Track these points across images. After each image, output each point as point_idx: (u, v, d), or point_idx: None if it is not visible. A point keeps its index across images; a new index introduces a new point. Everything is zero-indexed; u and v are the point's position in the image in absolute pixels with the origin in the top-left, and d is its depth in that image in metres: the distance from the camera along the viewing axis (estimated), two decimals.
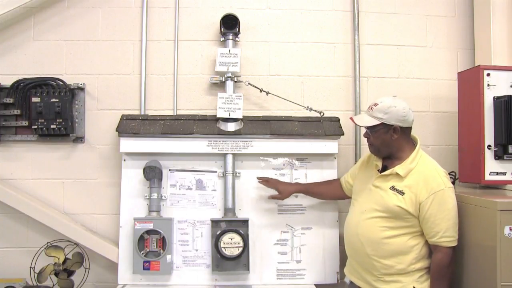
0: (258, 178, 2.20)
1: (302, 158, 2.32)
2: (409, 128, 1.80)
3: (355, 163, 2.41)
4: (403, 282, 1.71)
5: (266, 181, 2.18)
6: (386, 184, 1.76)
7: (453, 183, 2.32)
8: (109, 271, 2.36)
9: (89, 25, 2.44)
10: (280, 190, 2.14)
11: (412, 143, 1.82)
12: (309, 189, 2.19)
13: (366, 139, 1.88)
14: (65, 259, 2.20)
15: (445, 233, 1.66)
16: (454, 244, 1.69)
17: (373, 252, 1.74)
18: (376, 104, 1.76)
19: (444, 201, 1.67)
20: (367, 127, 1.81)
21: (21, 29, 2.41)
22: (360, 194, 1.90)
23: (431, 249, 1.73)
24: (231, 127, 2.28)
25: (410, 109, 1.77)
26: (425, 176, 1.71)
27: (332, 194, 2.17)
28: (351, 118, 1.92)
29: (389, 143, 1.77)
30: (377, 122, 1.75)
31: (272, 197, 2.16)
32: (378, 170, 1.84)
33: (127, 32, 2.44)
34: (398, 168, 1.74)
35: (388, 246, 1.71)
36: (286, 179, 2.30)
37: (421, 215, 1.68)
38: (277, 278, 2.25)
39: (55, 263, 2.18)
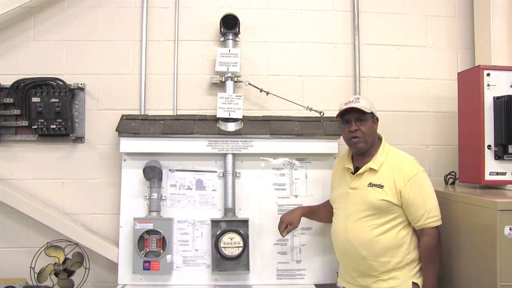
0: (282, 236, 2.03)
1: (302, 158, 2.32)
2: None
3: None
4: (401, 278, 1.72)
5: (283, 229, 1.99)
6: (363, 183, 1.79)
7: (453, 183, 2.33)
8: (109, 271, 2.36)
9: (89, 25, 2.44)
10: (289, 220, 2.00)
11: (378, 139, 1.88)
12: (314, 210, 2.10)
13: (352, 133, 1.80)
14: (65, 259, 2.20)
15: (429, 213, 1.70)
16: (439, 223, 1.73)
17: (367, 253, 1.73)
18: (358, 98, 1.83)
19: (422, 183, 1.73)
20: (358, 118, 1.79)
21: (21, 29, 2.41)
22: (339, 201, 1.90)
23: (418, 236, 1.76)
24: (231, 127, 2.28)
25: None
26: (398, 165, 1.76)
27: (330, 216, 2.00)
28: (346, 105, 1.80)
29: (374, 134, 1.84)
30: (370, 110, 1.81)
31: (287, 231, 1.99)
32: (352, 173, 1.85)
33: (127, 32, 2.44)
34: (371, 163, 1.79)
35: (381, 243, 1.72)
36: (286, 179, 2.30)
37: (404, 202, 1.72)
38: (277, 278, 2.25)
39: (55, 263, 2.18)
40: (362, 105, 1.79)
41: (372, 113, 1.82)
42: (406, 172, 1.73)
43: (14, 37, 2.41)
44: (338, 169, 2.01)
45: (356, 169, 1.84)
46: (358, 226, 1.76)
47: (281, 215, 2.25)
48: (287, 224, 2.00)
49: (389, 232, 1.73)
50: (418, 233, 1.76)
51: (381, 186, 1.74)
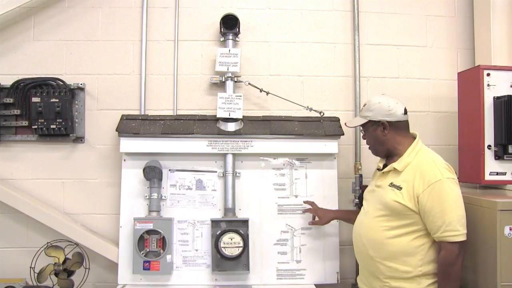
0: (304, 202, 2.23)
1: (302, 158, 2.32)
2: (402, 123, 1.76)
3: (355, 163, 2.42)
4: None
5: (310, 205, 2.19)
6: (386, 182, 1.74)
7: None
8: (109, 271, 2.36)
9: (89, 25, 2.44)
10: (320, 215, 2.12)
11: (412, 138, 1.77)
12: (348, 215, 2.10)
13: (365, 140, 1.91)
14: (65, 259, 2.20)
15: (448, 226, 1.55)
16: (460, 239, 1.56)
17: (375, 254, 1.69)
18: (365, 105, 1.83)
19: (443, 192, 1.58)
20: (361, 128, 1.88)
21: (21, 29, 2.41)
22: (366, 197, 1.89)
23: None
24: (231, 127, 2.28)
25: (399, 104, 1.76)
26: (421, 168, 1.64)
27: None
28: (345, 124, 1.98)
29: (383, 140, 1.77)
30: (364, 121, 1.79)
31: (313, 223, 2.17)
32: (378, 169, 1.85)
33: (127, 32, 2.44)
34: (395, 163, 1.72)
35: (390, 246, 1.65)
36: (286, 179, 2.30)
37: (421, 209, 1.61)
38: (277, 278, 2.25)
39: (55, 263, 2.18)
40: (355, 121, 1.88)
41: (373, 121, 1.76)
42: (427, 177, 1.60)
43: (14, 37, 2.41)
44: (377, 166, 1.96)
45: (384, 167, 1.81)
46: (371, 224, 1.73)
47: (281, 215, 2.27)
48: (315, 216, 2.15)
49: (402, 238, 1.64)
50: (438, 245, 1.62)
51: (399, 188, 1.66)
